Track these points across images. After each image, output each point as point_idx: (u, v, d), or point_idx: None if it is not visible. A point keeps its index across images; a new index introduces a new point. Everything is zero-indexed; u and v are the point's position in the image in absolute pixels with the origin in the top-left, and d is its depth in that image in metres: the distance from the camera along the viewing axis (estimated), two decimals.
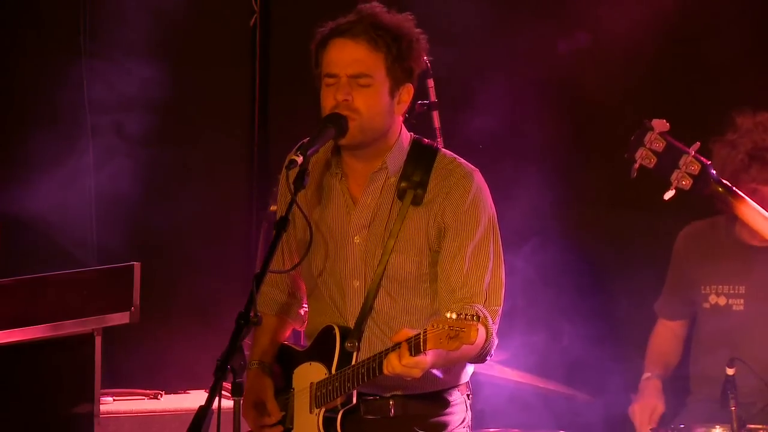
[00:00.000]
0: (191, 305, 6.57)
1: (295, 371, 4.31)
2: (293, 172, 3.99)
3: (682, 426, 5.17)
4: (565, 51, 6.31)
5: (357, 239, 4.24)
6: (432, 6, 5.86)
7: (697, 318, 5.58)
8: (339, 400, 4.14)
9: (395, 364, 3.84)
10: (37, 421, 5.08)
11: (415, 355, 3.81)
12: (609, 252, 6.40)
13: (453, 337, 3.71)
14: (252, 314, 3.77)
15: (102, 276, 5.25)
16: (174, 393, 6.19)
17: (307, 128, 4.17)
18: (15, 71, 6.51)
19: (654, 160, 4.01)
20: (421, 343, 3.77)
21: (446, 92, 5.59)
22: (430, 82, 5.50)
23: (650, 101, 6.26)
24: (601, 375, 5.99)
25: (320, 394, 4.18)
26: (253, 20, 6.76)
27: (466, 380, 4.32)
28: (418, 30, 4.20)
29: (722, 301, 5.48)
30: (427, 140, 4.33)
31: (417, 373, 3.87)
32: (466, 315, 3.71)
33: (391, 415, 4.20)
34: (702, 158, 4.02)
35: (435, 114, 5.50)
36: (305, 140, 4.12)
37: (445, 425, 4.25)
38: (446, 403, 4.26)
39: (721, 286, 5.48)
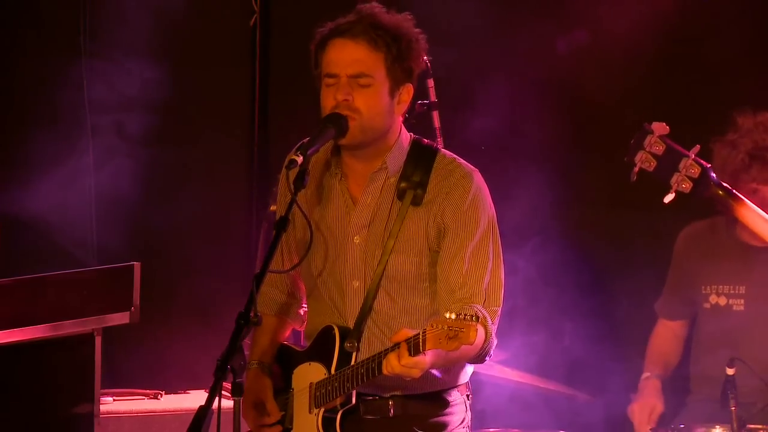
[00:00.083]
0: (191, 305, 6.57)
1: (295, 371, 4.31)
2: (293, 172, 3.99)
3: (682, 426, 5.17)
4: (564, 49, 6.30)
5: (357, 239, 4.24)
6: (432, 6, 5.86)
7: (697, 318, 5.58)
8: (338, 400, 4.14)
9: (394, 365, 3.84)
10: (37, 421, 5.08)
11: (414, 356, 3.81)
12: (609, 252, 6.40)
13: (452, 338, 3.71)
14: (252, 314, 3.77)
15: (102, 276, 5.25)
16: (174, 393, 6.19)
17: (307, 128, 4.17)
18: (15, 71, 6.51)
19: (654, 163, 4.01)
20: (421, 344, 3.77)
21: (446, 92, 5.59)
22: (430, 82, 5.50)
23: (650, 101, 6.26)
24: (601, 375, 5.99)
25: (319, 394, 4.18)
26: (253, 20, 6.76)
27: (466, 380, 4.32)
28: (417, 30, 4.20)
29: (722, 301, 5.48)
30: (426, 140, 4.33)
31: (416, 373, 3.86)
32: (465, 315, 3.71)
33: (391, 415, 4.20)
34: (702, 161, 4.01)
35: (435, 114, 5.50)
36: (305, 140, 4.12)
37: (444, 425, 4.25)
38: (446, 404, 4.26)
39: (721, 286, 5.48)
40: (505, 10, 6.41)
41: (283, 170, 4.18)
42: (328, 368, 4.18)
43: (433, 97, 5.50)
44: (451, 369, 4.21)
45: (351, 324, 4.22)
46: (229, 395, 3.77)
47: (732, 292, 5.47)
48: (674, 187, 4.01)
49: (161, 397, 6.09)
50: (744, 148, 5.29)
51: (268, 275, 4.02)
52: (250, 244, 6.68)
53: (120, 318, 5.21)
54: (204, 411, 3.65)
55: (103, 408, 5.54)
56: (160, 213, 6.58)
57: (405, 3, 4.31)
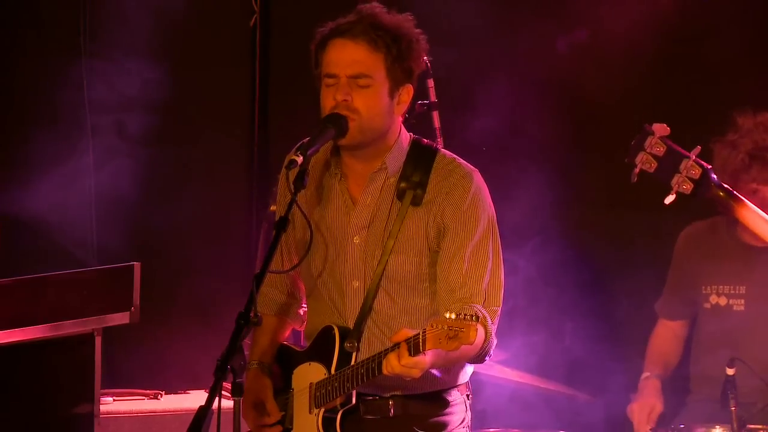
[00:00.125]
0: (191, 305, 6.57)
1: (295, 371, 4.31)
2: (293, 172, 3.99)
3: (682, 426, 5.17)
4: (564, 48, 6.30)
5: (356, 239, 4.24)
6: (432, 6, 5.86)
7: (697, 318, 5.58)
8: (338, 401, 4.13)
9: (394, 365, 3.84)
10: (37, 421, 5.08)
11: (414, 356, 3.81)
12: (609, 252, 6.40)
13: (452, 338, 3.70)
14: (252, 314, 3.77)
15: (102, 276, 5.26)
16: (174, 393, 6.19)
17: (307, 128, 4.17)
18: (15, 71, 6.51)
19: (654, 164, 4.01)
20: (421, 344, 3.77)
21: (446, 92, 5.59)
22: (430, 82, 5.50)
23: (650, 101, 6.26)
24: (601, 375, 5.99)
25: (320, 395, 4.17)
26: (253, 20, 6.76)
27: (466, 380, 4.32)
28: (417, 30, 4.20)
29: (723, 301, 5.48)
30: (426, 140, 4.32)
31: (416, 373, 3.86)
32: (465, 315, 3.70)
33: (391, 415, 4.20)
34: (703, 162, 4.01)
35: (435, 114, 5.50)
36: (305, 140, 4.12)
37: (444, 425, 4.25)
38: (446, 403, 4.26)
39: (721, 287, 5.48)
40: (506, 10, 6.41)
41: (283, 170, 4.18)
42: (328, 368, 4.18)
43: (433, 97, 5.50)
44: (451, 369, 4.21)
45: (351, 324, 4.22)
46: (229, 395, 3.77)
47: (732, 292, 5.47)
48: (675, 188, 4.00)
49: (161, 397, 6.09)
50: (744, 148, 5.29)
51: (268, 275, 4.02)
52: (250, 244, 6.68)
53: (120, 318, 5.21)
54: (204, 411, 3.65)
55: (103, 408, 5.54)
56: (160, 213, 6.58)
57: (406, 3, 4.31)
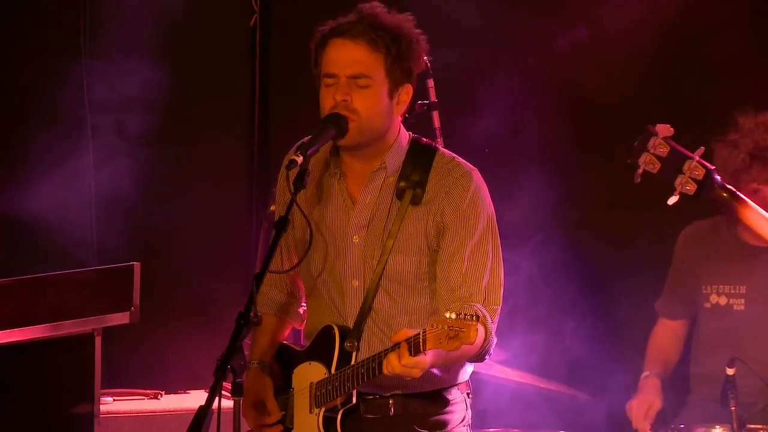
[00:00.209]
0: (191, 305, 6.57)
1: (295, 371, 4.31)
2: (293, 172, 3.99)
3: (682, 426, 5.17)
4: (564, 46, 6.30)
5: (356, 239, 4.24)
6: (432, 6, 5.86)
7: (697, 318, 5.58)
8: (339, 400, 4.13)
9: (395, 365, 3.84)
10: (37, 421, 5.08)
11: (414, 355, 3.81)
12: (610, 252, 6.40)
13: (453, 338, 3.70)
14: (252, 314, 3.77)
15: (102, 276, 5.25)
16: (174, 393, 6.19)
17: (307, 128, 4.17)
18: (15, 71, 6.51)
19: (658, 165, 4.00)
20: (421, 344, 3.77)
21: (446, 92, 5.59)
22: (430, 83, 5.50)
23: (651, 101, 6.26)
24: (602, 374, 5.99)
25: (320, 394, 4.17)
26: (253, 20, 6.76)
27: (466, 379, 4.32)
28: (417, 30, 4.19)
29: (723, 300, 5.48)
30: (425, 139, 4.32)
31: (417, 373, 3.86)
32: (465, 315, 3.70)
33: (391, 414, 4.20)
34: (706, 163, 4.00)
35: (435, 114, 5.50)
36: (304, 139, 4.12)
37: (445, 424, 4.25)
38: (446, 402, 4.26)
39: (722, 286, 5.48)
40: (506, 10, 6.41)
41: (282, 170, 4.18)
42: (329, 368, 4.18)
43: (433, 98, 5.50)
44: (451, 368, 4.21)
45: (351, 323, 4.21)
46: (229, 395, 3.77)
47: (732, 291, 5.47)
48: (678, 189, 3.99)
49: (161, 397, 6.08)
50: (745, 148, 5.29)
51: (268, 275, 4.02)
52: (250, 244, 6.68)
53: (120, 318, 5.21)
54: (204, 411, 3.65)
55: (103, 408, 5.54)
56: (160, 213, 6.58)
57: (406, 3, 4.30)
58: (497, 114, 6.19)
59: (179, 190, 6.65)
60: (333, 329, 4.21)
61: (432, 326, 3.73)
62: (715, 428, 5.04)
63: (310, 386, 4.21)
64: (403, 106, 4.21)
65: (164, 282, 6.45)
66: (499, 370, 5.55)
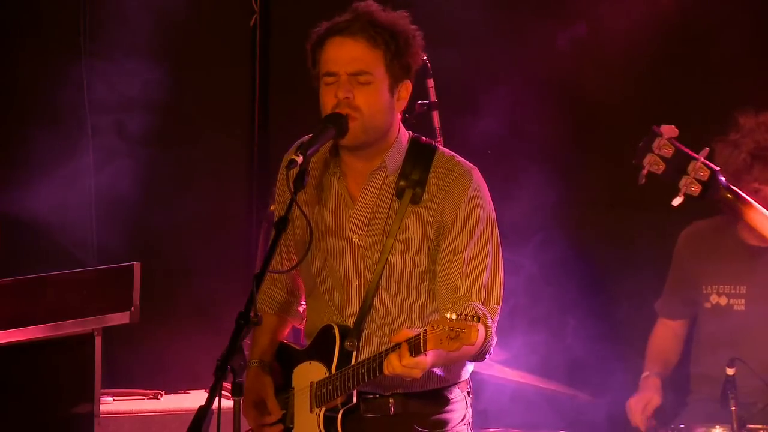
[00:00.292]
0: (191, 305, 6.57)
1: (295, 370, 4.30)
2: (293, 172, 3.98)
3: (682, 426, 5.17)
4: (564, 43, 6.30)
5: (356, 238, 4.23)
6: (432, 6, 5.86)
7: (697, 318, 5.58)
8: (339, 400, 4.13)
9: (396, 365, 3.84)
10: (37, 421, 5.07)
11: (415, 356, 3.81)
12: (610, 252, 6.40)
13: (453, 338, 3.70)
14: (252, 314, 3.77)
15: (102, 276, 5.25)
16: (174, 393, 6.18)
17: (307, 128, 4.17)
18: (15, 71, 6.50)
19: (662, 166, 3.99)
20: (422, 344, 3.77)
21: (446, 92, 5.59)
22: (430, 82, 5.50)
23: (652, 101, 6.25)
24: (603, 374, 5.99)
25: (320, 394, 4.17)
26: (253, 20, 6.76)
27: (466, 377, 4.32)
28: (414, 27, 4.20)
29: (723, 301, 5.48)
30: (425, 138, 4.32)
31: (417, 373, 3.86)
32: (466, 315, 3.70)
33: (392, 413, 4.20)
34: (711, 164, 3.99)
35: (435, 114, 5.50)
36: (304, 139, 4.12)
37: (445, 423, 4.24)
38: (446, 401, 4.25)
39: (722, 286, 5.48)
40: (506, 11, 6.41)
41: (282, 169, 4.19)
42: (329, 367, 4.17)
43: (433, 97, 5.50)
44: (452, 367, 4.21)
45: (351, 323, 4.21)
46: (229, 395, 3.76)
47: (733, 291, 5.47)
48: (683, 190, 3.99)
49: (161, 397, 6.08)
50: (746, 147, 5.29)
51: (268, 274, 4.01)
52: (250, 244, 6.68)
53: (120, 318, 5.21)
54: (204, 411, 3.65)
55: (103, 408, 5.53)
56: (160, 213, 6.58)
57: (407, 3, 4.30)
58: (497, 114, 6.19)
59: (179, 190, 6.65)
60: (333, 329, 4.21)
61: (433, 327, 3.72)
62: (715, 428, 5.04)
63: (311, 386, 4.21)
64: (403, 103, 4.21)
65: (164, 282, 6.45)
66: (500, 370, 5.55)
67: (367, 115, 4.11)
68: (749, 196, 4.12)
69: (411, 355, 3.81)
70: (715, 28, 6.15)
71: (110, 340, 5.60)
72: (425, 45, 4.24)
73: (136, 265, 5.25)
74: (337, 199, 4.27)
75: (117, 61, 6.51)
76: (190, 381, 6.27)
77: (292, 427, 4.29)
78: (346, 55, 4.10)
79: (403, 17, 4.19)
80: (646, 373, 5.55)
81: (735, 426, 4.90)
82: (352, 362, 4.13)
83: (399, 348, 3.83)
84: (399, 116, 4.24)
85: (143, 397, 6.07)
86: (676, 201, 4.00)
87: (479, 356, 4.12)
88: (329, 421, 4.16)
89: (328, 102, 4.13)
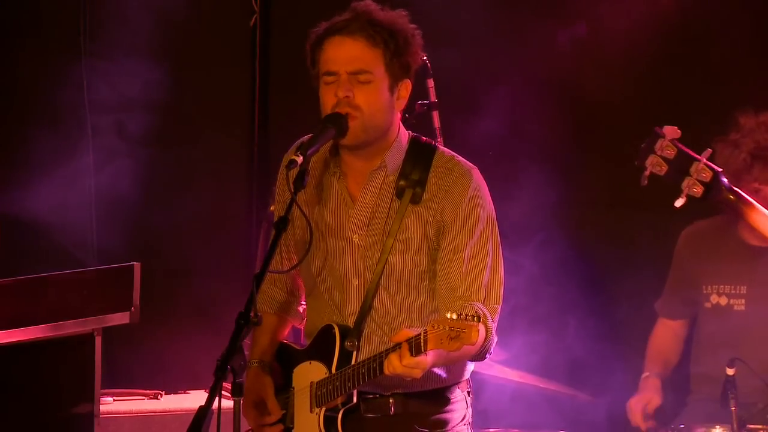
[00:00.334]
0: (191, 305, 6.57)
1: (295, 370, 4.30)
2: (293, 172, 3.98)
3: (682, 426, 5.17)
4: (564, 42, 6.30)
5: (356, 238, 4.23)
6: (433, 6, 5.86)
7: (698, 318, 5.58)
8: (339, 400, 4.13)
9: (396, 365, 3.84)
10: (37, 421, 5.07)
11: (415, 356, 3.80)
12: (611, 252, 6.40)
13: (454, 338, 3.70)
14: (252, 314, 3.77)
15: (102, 276, 5.25)
16: (174, 393, 6.18)
17: (307, 128, 4.17)
18: (15, 71, 6.50)
19: (665, 167, 3.99)
20: (422, 344, 3.77)
21: (446, 92, 5.59)
22: (430, 82, 5.50)
23: (652, 101, 6.25)
24: (603, 374, 5.99)
25: (320, 394, 4.17)
26: (253, 20, 6.76)
27: (467, 377, 4.32)
28: (413, 26, 4.20)
29: (723, 301, 5.48)
30: (425, 138, 4.32)
31: (418, 373, 3.86)
32: (466, 315, 3.70)
33: (392, 413, 4.20)
34: (713, 165, 3.99)
35: (435, 114, 5.50)
36: (303, 139, 4.12)
37: (445, 423, 4.24)
38: (446, 401, 4.25)
39: (722, 286, 5.48)
40: (506, 11, 6.41)
41: (282, 169, 4.19)
42: (329, 367, 4.17)
43: (433, 97, 5.51)
44: (452, 367, 4.21)
45: (351, 323, 4.21)
46: (229, 395, 3.76)
47: (733, 292, 5.47)
48: (685, 191, 3.98)
49: (161, 397, 6.08)
50: (746, 147, 5.29)
51: (269, 274, 4.01)
52: (250, 244, 6.68)
53: (120, 318, 5.21)
54: (204, 411, 3.65)
55: (103, 408, 5.53)
56: (160, 213, 6.58)
57: (407, 3, 4.30)
58: (497, 114, 6.19)
59: (179, 190, 6.65)
60: (333, 328, 4.20)
61: (433, 326, 3.72)
62: (715, 428, 5.04)
63: (311, 386, 4.21)
64: (403, 102, 4.21)
65: (164, 282, 6.45)
66: (500, 369, 5.55)
67: (367, 114, 4.11)
68: (749, 196, 4.12)
69: (411, 354, 3.81)
70: (716, 28, 6.16)
71: (110, 340, 5.60)
72: (425, 45, 4.24)
73: (136, 265, 5.25)
74: (337, 199, 4.27)
75: (117, 61, 6.51)
76: (190, 381, 6.27)
77: (292, 427, 4.29)
78: (346, 54, 4.10)
79: (402, 16, 4.19)
80: (645, 374, 5.55)
81: (735, 426, 4.90)
82: (353, 362, 4.13)
83: (399, 348, 3.83)
84: (399, 116, 4.24)
85: (143, 397, 6.07)
86: (679, 202, 4.00)
87: (480, 356, 4.12)
88: (329, 421, 4.16)
89: (328, 101, 4.13)
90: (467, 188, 4.17)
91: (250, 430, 4.34)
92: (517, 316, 5.74)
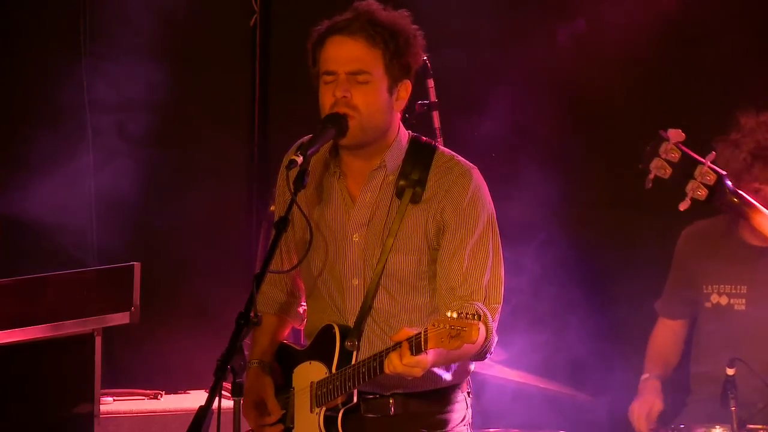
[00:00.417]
0: (191, 305, 6.57)
1: (295, 370, 4.30)
2: (293, 172, 3.98)
3: (682, 426, 5.17)
4: (563, 39, 6.30)
5: (356, 237, 4.23)
6: (433, 6, 5.86)
7: (698, 317, 5.58)
8: (339, 399, 4.13)
9: (396, 364, 3.84)
10: (37, 421, 5.07)
11: (416, 355, 3.80)
12: (612, 252, 6.40)
13: (454, 337, 3.70)
14: (252, 314, 3.77)
15: (102, 276, 5.25)
16: (174, 393, 6.18)
17: (307, 128, 4.17)
18: (15, 71, 6.50)
19: (669, 170, 3.99)
20: (422, 343, 3.76)
21: (446, 92, 5.59)
22: (430, 82, 5.51)
23: (653, 101, 6.25)
24: (604, 374, 5.99)
25: (321, 394, 4.17)
26: (253, 20, 6.76)
27: (467, 378, 4.31)
28: (414, 26, 4.19)
29: (724, 300, 5.48)
30: (425, 138, 4.31)
31: (418, 372, 3.86)
32: (467, 314, 3.70)
33: (392, 413, 4.20)
34: (718, 168, 3.99)
35: (435, 114, 5.50)
36: (304, 139, 4.12)
37: (445, 423, 4.24)
38: (447, 401, 4.25)
39: (722, 286, 5.48)
40: (507, 11, 6.41)
41: (282, 170, 4.19)
42: (329, 367, 4.17)
43: (433, 98, 5.51)
44: (452, 367, 4.21)
45: (351, 322, 4.21)
46: (229, 395, 3.76)
47: (733, 291, 5.47)
48: (689, 194, 3.98)
49: (161, 397, 6.08)
50: (746, 147, 5.29)
51: (269, 274, 4.01)
52: (250, 244, 6.68)
53: (120, 318, 5.21)
54: (204, 411, 3.65)
55: (103, 408, 5.53)
56: (160, 213, 6.59)
57: (407, 3, 4.30)
58: (498, 114, 6.19)
59: (179, 190, 6.65)
60: (333, 328, 4.20)
61: (433, 325, 3.72)
62: (715, 428, 5.04)
63: (311, 386, 4.21)
64: (403, 103, 4.20)
65: (164, 282, 6.45)
66: (501, 370, 5.54)
67: (365, 115, 4.11)
68: (749, 196, 4.12)
69: (412, 353, 3.80)
70: (716, 27, 6.16)
71: (110, 340, 5.61)
72: (426, 45, 4.24)
73: (136, 265, 5.25)
74: (337, 199, 4.27)
75: (117, 61, 6.52)
76: (190, 381, 6.27)
77: (293, 427, 4.28)
78: (345, 54, 4.10)
79: (404, 17, 4.19)
80: (645, 375, 5.54)
81: (735, 426, 4.90)
82: (353, 362, 4.13)
83: (400, 347, 3.83)
84: (398, 116, 4.24)
85: (143, 397, 6.07)
86: (683, 205, 4.00)
87: (480, 355, 4.12)
88: (329, 421, 4.16)
89: (327, 100, 4.13)
90: (467, 188, 4.17)
91: (250, 430, 4.34)
92: (517, 316, 5.74)
